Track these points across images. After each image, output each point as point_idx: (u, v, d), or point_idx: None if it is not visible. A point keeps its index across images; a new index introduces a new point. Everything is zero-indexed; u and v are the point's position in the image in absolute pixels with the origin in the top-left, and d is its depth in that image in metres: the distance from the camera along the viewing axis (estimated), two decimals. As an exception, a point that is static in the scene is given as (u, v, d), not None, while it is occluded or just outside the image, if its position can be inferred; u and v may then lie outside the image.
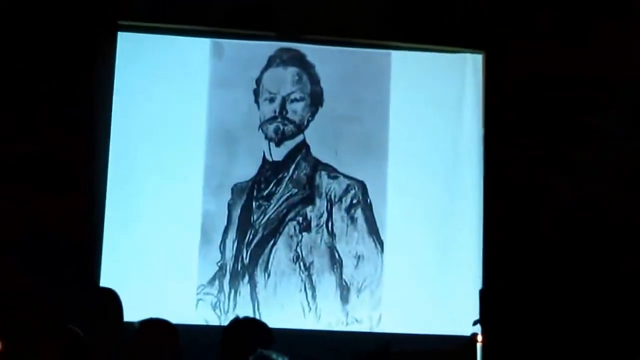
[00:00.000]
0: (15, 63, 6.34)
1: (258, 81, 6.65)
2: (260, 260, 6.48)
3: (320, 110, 6.69)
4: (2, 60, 6.33)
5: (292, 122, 6.65)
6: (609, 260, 6.53)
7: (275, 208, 6.55)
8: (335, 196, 6.61)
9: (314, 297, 6.48)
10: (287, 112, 6.65)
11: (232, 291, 6.42)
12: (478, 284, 6.47)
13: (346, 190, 6.63)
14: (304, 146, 6.65)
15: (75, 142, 6.28)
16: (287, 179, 6.60)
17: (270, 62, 6.68)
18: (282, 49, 6.70)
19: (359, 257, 6.57)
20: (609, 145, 6.71)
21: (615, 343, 6.08)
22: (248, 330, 4.72)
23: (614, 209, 6.64)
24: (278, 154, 6.62)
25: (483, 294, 6.20)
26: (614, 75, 6.72)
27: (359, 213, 6.61)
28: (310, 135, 6.67)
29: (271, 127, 6.63)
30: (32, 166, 6.27)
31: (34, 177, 6.28)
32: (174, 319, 4.42)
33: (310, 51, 6.73)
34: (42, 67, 6.35)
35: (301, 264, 6.51)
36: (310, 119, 6.68)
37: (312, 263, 6.52)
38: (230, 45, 6.66)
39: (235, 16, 6.59)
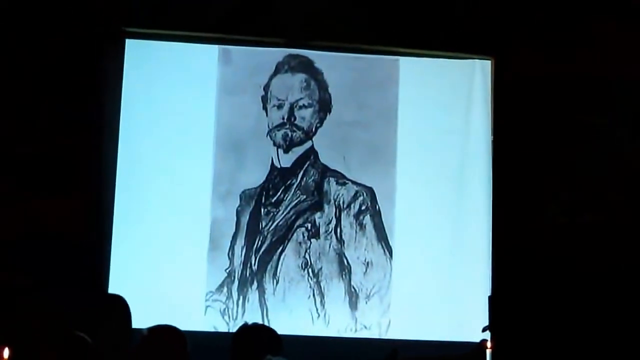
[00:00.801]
0: (23, 70, 6.35)
1: (266, 87, 6.65)
2: (269, 267, 6.48)
3: (329, 116, 6.69)
4: (11, 68, 6.35)
5: (300, 128, 6.65)
6: (620, 264, 6.50)
7: (283, 214, 6.55)
8: (343, 202, 6.61)
9: (322, 303, 6.47)
10: (295, 119, 6.65)
11: (241, 298, 6.42)
12: (487, 290, 6.45)
13: (355, 197, 6.62)
14: (312, 152, 6.65)
15: (83, 148, 6.29)
16: (295, 185, 6.60)
17: (278, 69, 6.68)
18: (290, 56, 6.70)
19: (367, 263, 6.56)
20: (617, 147, 6.69)
21: (627, 349, 6.06)
22: (257, 336, 4.71)
23: (624, 212, 6.63)
24: (286, 160, 6.62)
25: (492, 301, 6.17)
26: (623, 76, 6.70)
27: (367, 219, 6.61)
28: (318, 141, 6.67)
29: (279, 134, 6.63)
30: (41, 171, 6.29)
31: (42, 182, 6.29)
32: (183, 326, 4.41)
33: (318, 58, 6.73)
34: (49, 75, 6.36)
35: (310, 270, 6.50)
36: (318, 125, 6.67)
37: (320, 269, 6.51)
38: (238, 51, 6.66)
39: (243, 23, 6.59)
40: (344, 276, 6.53)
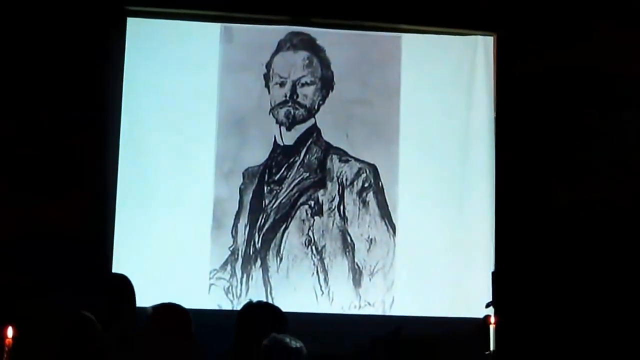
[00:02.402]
0: (23, 52, 6.34)
1: (268, 65, 6.64)
2: (272, 245, 6.49)
3: (331, 94, 6.68)
4: (10, 51, 6.33)
5: (302, 106, 6.64)
6: (620, 243, 6.51)
7: (286, 192, 6.55)
8: (346, 180, 6.61)
9: (326, 280, 6.48)
10: (297, 96, 6.64)
11: (245, 275, 6.44)
12: (490, 266, 6.46)
13: (358, 174, 6.62)
14: (314, 130, 6.64)
15: (86, 128, 6.29)
16: (298, 163, 6.60)
17: (281, 46, 6.66)
18: (292, 33, 6.69)
19: (371, 240, 6.57)
20: (623, 126, 6.70)
21: (629, 326, 6.08)
22: (261, 314, 4.72)
23: (628, 191, 6.64)
24: (289, 138, 6.62)
25: (496, 276, 6.19)
26: (629, 68, 6.70)
27: (370, 196, 6.61)
28: (321, 119, 6.66)
29: (282, 112, 6.62)
30: (42, 157, 6.29)
31: (46, 167, 6.29)
32: (187, 304, 4.44)
33: (321, 35, 6.71)
34: (50, 55, 6.35)
35: (313, 247, 6.51)
36: (321, 102, 6.67)
37: (324, 247, 6.52)
38: (240, 29, 6.65)
39: (244, 0, 6.57)
40: (347, 253, 6.54)
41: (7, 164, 6.26)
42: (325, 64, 6.69)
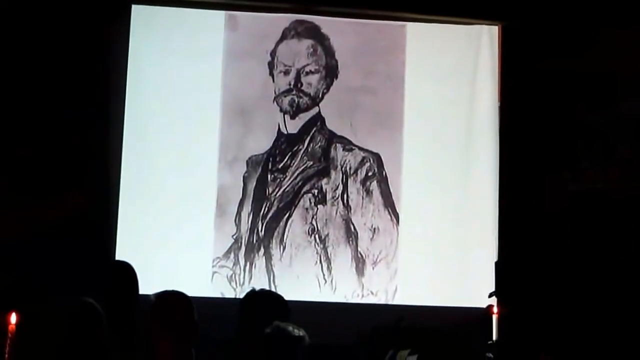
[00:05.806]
0: (27, 39, 6.34)
1: (273, 53, 6.63)
2: (276, 233, 6.49)
3: (335, 82, 6.68)
4: (14, 38, 6.33)
5: (307, 94, 6.64)
6: (623, 234, 6.51)
7: (290, 181, 6.55)
8: (350, 169, 6.61)
9: (329, 269, 6.49)
10: (302, 85, 6.64)
11: (248, 264, 6.44)
12: (493, 257, 6.46)
13: (361, 163, 6.62)
14: (319, 119, 6.64)
15: (89, 118, 6.28)
16: (302, 151, 6.59)
17: (285, 34, 6.66)
18: (297, 21, 6.68)
19: (374, 229, 6.57)
20: (628, 113, 6.69)
21: (631, 316, 6.07)
22: (264, 302, 4.72)
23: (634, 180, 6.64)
24: (293, 126, 6.62)
25: (498, 266, 6.19)
26: (632, 61, 6.69)
27: (374, 185, 6.61)
28: (325, 107, 6.66)
29: (286, 100, 6.62)
30: (45, 145, 6.29)
31: (50, 155, 6.29)
32: (190, 292, 4.42)
33: (325, 23, 6.71)
34: (54, 43, 6.34)
35: (316, 236, 6.51)
36: (325, 91, 6.66)
37: (327, 235, 6.53)
38: (245, 17, 6.64)
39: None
40: (350, 242, 6.54)
41: (7, 164, 6.25)
42: (329, 52, 6.69)
